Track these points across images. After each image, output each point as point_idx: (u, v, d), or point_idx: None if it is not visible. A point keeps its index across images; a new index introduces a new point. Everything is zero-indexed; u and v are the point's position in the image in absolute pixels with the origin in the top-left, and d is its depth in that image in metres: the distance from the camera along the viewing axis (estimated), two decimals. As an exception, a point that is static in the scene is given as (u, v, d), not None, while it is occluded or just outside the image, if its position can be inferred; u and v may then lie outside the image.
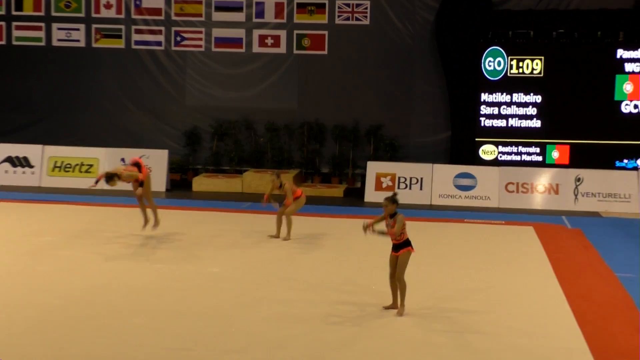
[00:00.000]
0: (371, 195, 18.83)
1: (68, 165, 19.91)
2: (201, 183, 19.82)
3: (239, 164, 21.32)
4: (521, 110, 19.45)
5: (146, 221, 13.51)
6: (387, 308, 9.52)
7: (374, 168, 19.08)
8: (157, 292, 10.10)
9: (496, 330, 8.91)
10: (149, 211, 13.57)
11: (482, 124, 19.58)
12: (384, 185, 18.77)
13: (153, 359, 7.90)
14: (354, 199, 19.04)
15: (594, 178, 18.20)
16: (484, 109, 19.53)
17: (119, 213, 15.89)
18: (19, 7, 21.62)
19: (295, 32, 20.99)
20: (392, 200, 9.31)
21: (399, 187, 18.44)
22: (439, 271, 11.46)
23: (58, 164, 19.95)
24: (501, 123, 19.54)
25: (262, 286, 10.51)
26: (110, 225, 14.55)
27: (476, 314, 9.48)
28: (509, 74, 19.35)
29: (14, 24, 21.57)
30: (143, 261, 11.80)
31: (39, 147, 20.17)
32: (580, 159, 19.02)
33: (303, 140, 21.14)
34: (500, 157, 19.55)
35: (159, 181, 19.42)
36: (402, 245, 9.33)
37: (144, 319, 9.00)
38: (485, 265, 12.07)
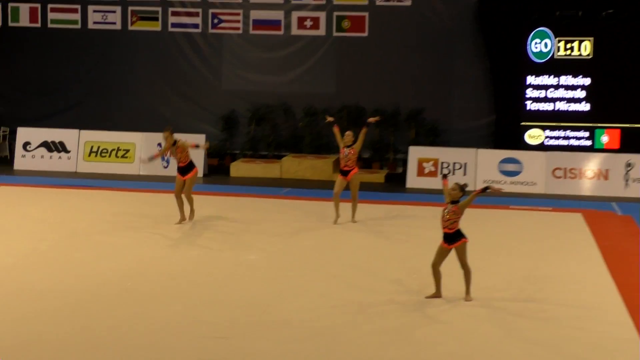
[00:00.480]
0: (413, 180, 18.67)
1: (104, 150, 20.03)
2: (239, 168, 19.82)
3: (276, 149, 21.26)
4: (569, 93, 19.14)
5: (182, 219, 13.54)
6: (429, 297, 9.48)
7: (415, 153, 18.92)
8: (195, 280, 10.11)
9: (545, 319, 8.82)
10: (185, 207, 13.61)
11: (528, 108, 19.29)
12: (426, 171, 18.60)
13: (190, 347, 7.88)
14: (395, 184, 18.90)
15: (645, 163, 17.89)
16: (530, 92, 19.25)
17: (156, 199, 15.94)
18: (55, -11, 21.75)
19: (335, 13, 20.82)
20: (462, 188, 9.46)
21: (441, 173, 18.23)
22: (484, 259, 11.30)
23: (94, 149, 20.08)
24: (548, 106, 19.25)
25: (300, 274, 10.46)
26: (147, 211, 14.58)
27: (524, 302, 9.40)
28: (556, 56, 19.02)
29: (50, 6, 21.66)
30: (180, 248, 11.82)
31: (75, 131, 20.31)
32: (630, 143, 18.66)
33: (342, 125, 20.98)
34: (547, 141, 19.27)
35: (196, 166, 19.40)
36: (456, 237, 9.33)
37: (181, 307, 9.00)
38: (532, 253, 11.90)
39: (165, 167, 19.42)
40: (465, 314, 8.90)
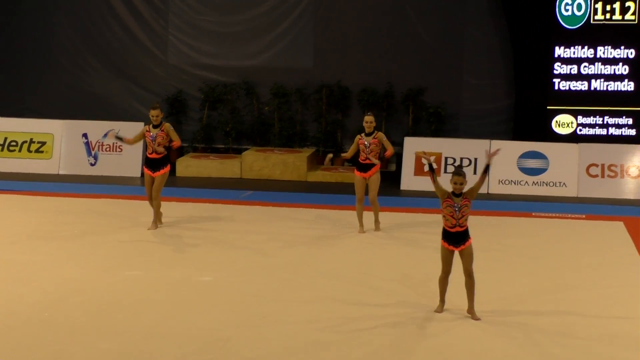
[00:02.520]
0: (409, 181, 18.80)
1: (13, 143, 19.99)
2: (187, 165, 19.86)
3: (236, 141, 21.32)
4: (608, 69, 19.33)
5: (156, 221, 13.86)
6: (438, 311, 10.08)
7: (413, 145, 19.02)
8: (132, 308, 10.14)
9: (575, 341, 9.04)
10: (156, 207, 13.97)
11: (557, 87, 19.47)
12: (427, 169, 18.68)
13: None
14: (387, 185, 18.98)
15: None
16: (559, 67, 19.43)
17: (82, 205, 15.95)
18: None
19: (311, -34, 20.95)
20: (464, 174, 9.98)
21: (445, 172, 18.39)
22: (500, 278, 11.43)
23: (0, 142, 20.02)
24: (582, 86, 19.43)
25: (267, 299, 10.53)
26: (71, 220, 14.61)
27: (552, 325, 9.54)
28: (592, 21, 19.22)
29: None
30: (115, 267, 11.85)
31: (-28, 119, 20.30)
32: (686, 132, 18.95)
33: (321, 109, 21.12)
34: (580, 130, 19.45)
35: (132, 163, 19.48)
36: (465, 236, 9.85)
37: (115, 344, 9.04)
38: (560, 271, 12.04)
39: (93, 165, 19.43)
40: (482, 331, 9.03)
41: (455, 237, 9.86)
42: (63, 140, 19.75)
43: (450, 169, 18.60)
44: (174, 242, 13.32)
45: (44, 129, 20.02)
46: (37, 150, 19.89)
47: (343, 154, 14.72)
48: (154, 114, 13.89)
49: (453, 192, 9.92)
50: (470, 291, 9.89)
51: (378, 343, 9.08)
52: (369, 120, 13.88)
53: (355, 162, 14.18)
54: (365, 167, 13.85)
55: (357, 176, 13.92)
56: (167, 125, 13.85)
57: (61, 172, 19.64)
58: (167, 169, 13.98)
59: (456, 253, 9.91)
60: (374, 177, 13.84)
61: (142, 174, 19.33)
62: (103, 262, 12.11)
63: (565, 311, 10.29)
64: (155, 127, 13.87)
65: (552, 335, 9.39)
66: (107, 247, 12.91)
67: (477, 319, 9.79)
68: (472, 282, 9.88)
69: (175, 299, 10.50)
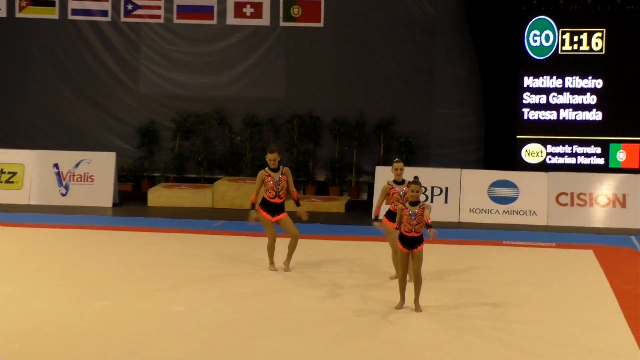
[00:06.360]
0: (382, 209, 18.73)
1: (-17, 173, 19.83)
2: (159, 195, 19.77)
3: (208, 171, 21.27)
4: (576, 99, 19.45)
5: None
6: (398, 308, 11.25)
7: (384, 175, 19.00)
8: (103, 338, 10.04)
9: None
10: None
11: (526, 117, 19.56)
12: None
13: None
14: (358, 214, 18.97)
15: (671, 186, 18.21)
16: (528, 97, 19.52)
17: (54, 235, 15.83)
18: None
19: (282, -2, 21.01)
20: (420, 183, 11.14)
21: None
22: (468, 308, 11.42)
23: (-31, 172, 19.86)
24: (550, 115, 19.53)
25: (239, 329, 10.46)
26: (43, 250, 14.51)
27: (527, 354, 9.50)
28: (560, 52, 19.35)
29: None
30: (82, 299, 11.74)
31: (-60, 148, 20.11)
32: (654, 161, 19.06)
33: (292, 139, 21.11)
34: (550, 159, 19.54)
35: (103, 193, 19.36)
36: (420, 240, 11.11)
37: (85, 374, 8.94)
38: (530, 300, 12.03)
39: (64, 195, 19.33)
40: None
41: (411, 241, 11.10)
42: (34, 171, 19.60)
43: (421, 197, 18.57)
44: (145, 272, 13.23)
45: (14, 159, 19.86)
46: (7, 181, 19.72)
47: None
48: (272, 157, 13.11)
49: (410, 202, 11.12)
50: (417, 287, 11.13)
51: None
52: (400, 166, 12.51)
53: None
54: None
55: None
56: (288, 170, 13.25)
57: (32, 202, 19.48)
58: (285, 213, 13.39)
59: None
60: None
61: (114, 204, 19.28)
62: (73, 292, 12.00)
63: (542, 351, 10.27)
64: (274, 170, 13.13)
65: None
66: (77, 278, 12.80)
67: (420, 311, 11.06)
68: (420, 281, 11.15)
69: (146, 329, 10.41)
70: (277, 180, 13.08)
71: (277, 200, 13.15)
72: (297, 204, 13.23)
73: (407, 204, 11.15)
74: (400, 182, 12.46)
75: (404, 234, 11.12)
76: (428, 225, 11.02)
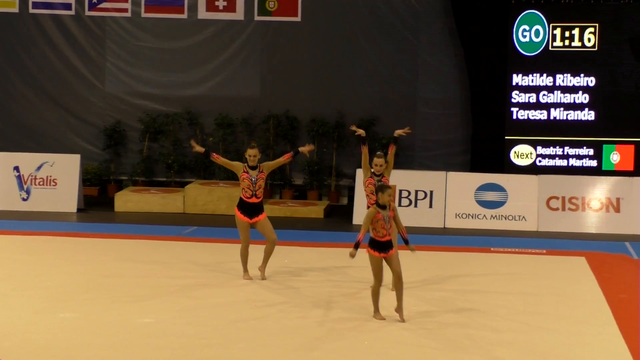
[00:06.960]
0: (362, 215, 18.74)
1: None
2: (127, 200, 19.75)
3: (179, 174, 21.27)
4: (568, 97, 19.54)
5: (247, 276, 13.46)
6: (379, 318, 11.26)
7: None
8: (68, 353, 10.03)
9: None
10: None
11: (515, 117, 19.64)
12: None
13: None
14: (338, 220, 19.01)
15: (668, 190, 18.33)
16: (517, 96, 19.61)
17: (15, 243, 15.78)
18: None
19: (257, -10, 21.03)
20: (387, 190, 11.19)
21: (399, 204, 18.43)
22: (453, 317, 11.47)
23: None
24: (541, 115, 19.62)
25: (212, 341, 10.48)
26: (2, 259, 14.45)
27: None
28: (550, 48, 19.45)
29: None
30: (48, 310, 11.72)
31: None
32: (649, 163, 19.17)
33: (268, 140, 21.14)
34: (540, 161, 19.62)
35: (67, 198, 19.31)
36: (391, 243, 11.23)
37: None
38: (519, 310, 12.09)
39: (25, 200, 19.27)
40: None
41: (385, 245, 11.18)
42: (-7, 174, 19.53)
43: (405, 202, 18.69)
44: (112, 281, 13.20)
45: (-31, 163, 19.76)
46: (-36, 185, 19.64)
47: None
48: (252, 153, 13.10)
49: (380, 205, 11.20)
50: (399, 292, 11.13)
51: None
52: (380, 160, 12.67)
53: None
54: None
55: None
56: (267, 165, 13.27)
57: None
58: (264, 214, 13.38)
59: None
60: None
61: (78, 209, 19.24)
62: (36, 303, 11.96)
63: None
64: (252, 168, 13.13)
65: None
66: (40, 288, 12.76)
67: (403, 321, 11.04)
68: (401, 284, 11.13)
69: (114, 342, 10.40)
70: (254, 179, 13.10)
71: (254, 200, 13.17)
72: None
73: (379, 210, 11.18)
74: (379, 175, 12.66)
75: (378, 240, 11.19)
76: (406, 242, 11.38)
